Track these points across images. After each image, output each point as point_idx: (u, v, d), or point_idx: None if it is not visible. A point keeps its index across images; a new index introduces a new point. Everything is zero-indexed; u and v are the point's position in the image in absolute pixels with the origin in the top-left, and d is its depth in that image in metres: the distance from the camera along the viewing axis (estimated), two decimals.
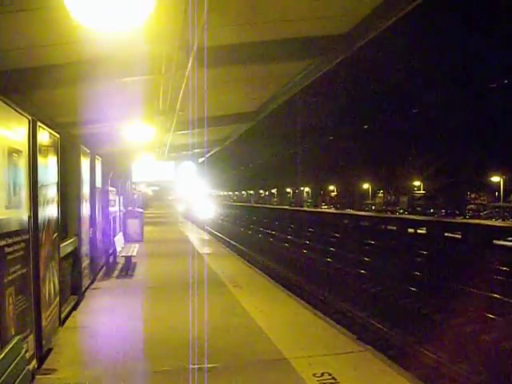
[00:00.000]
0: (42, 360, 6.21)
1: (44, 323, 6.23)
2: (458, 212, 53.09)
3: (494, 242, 22.09)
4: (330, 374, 5.86)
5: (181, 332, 7.78)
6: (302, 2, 6.14)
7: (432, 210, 55.83)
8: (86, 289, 10.74)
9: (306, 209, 57.17)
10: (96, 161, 12.10)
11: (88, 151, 10.93)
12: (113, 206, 17.22)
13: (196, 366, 6.17)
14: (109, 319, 8.80)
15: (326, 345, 7.13)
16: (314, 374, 5.87)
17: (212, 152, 23.88)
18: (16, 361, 4.00)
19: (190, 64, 6.21)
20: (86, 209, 10.61)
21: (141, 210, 24.18)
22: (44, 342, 6.21)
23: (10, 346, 4.03)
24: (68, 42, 5.57)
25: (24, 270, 5.50)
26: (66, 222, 9.46)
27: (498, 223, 33.87)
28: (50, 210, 6.81)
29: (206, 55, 6.54)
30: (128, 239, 19.98)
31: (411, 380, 5.91)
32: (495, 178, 56.88)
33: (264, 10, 6.14)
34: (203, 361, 6.35)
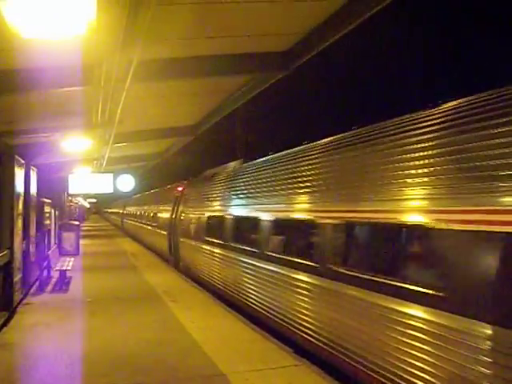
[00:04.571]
0: None
1: None
2: None
3: None
4: None
5: (117, 347, 7.67)
6: (244, 18, 6.23)
7: None
8: (18, 304, 10.39)
9: None
10: (31, 172, 11.78)
11: (23, 162, 10.63)
12: (48, 218, 16.76)
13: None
14: (41, 336, 8.50)
15: (262, 359, 7.15)
16: None
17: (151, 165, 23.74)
18: None
19: (129, 77, 6.18)
20: (19, 221, 10.30)
21: (77, 223, 23.62)
22: None
23: None
24: (4, 49, 5.44)
25: None
26: None
27: None
28: None
29: (145, 69, 6.55)
30: (63, 252, 19.47)
31: None
32: None
33: (206, 25, 6.21)
34: (139, 378, 6.30)
